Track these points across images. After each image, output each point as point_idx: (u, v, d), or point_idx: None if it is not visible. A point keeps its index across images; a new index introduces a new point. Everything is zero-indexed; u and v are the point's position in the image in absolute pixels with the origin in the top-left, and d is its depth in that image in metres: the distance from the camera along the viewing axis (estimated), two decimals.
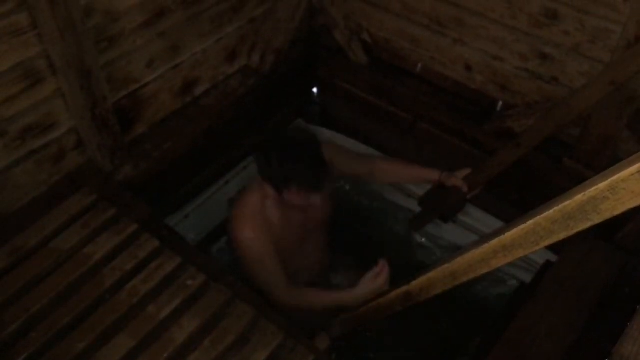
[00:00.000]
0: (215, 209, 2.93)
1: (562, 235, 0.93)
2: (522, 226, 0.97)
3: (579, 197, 0.85)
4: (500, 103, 2.55)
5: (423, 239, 3.07)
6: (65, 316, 1.76)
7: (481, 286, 2.89)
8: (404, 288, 1.37)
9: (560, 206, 0.88)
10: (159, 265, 1.91)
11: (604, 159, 2.22)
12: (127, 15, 2.04)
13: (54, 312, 1.77)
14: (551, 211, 0.90)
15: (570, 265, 2.05)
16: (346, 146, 3.07)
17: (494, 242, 1.04)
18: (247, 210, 2.03)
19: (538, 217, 0.93)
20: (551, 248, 2.48)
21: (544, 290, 1.98)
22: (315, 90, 3.17)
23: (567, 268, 2.05)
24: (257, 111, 2.84)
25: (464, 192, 2.31)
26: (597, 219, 0.87)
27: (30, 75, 1.86)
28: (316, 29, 2.88)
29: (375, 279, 1.88)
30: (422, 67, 2.72)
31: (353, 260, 2.65)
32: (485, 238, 1.10)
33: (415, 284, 1.33)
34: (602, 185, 0.82)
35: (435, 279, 1.26)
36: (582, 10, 2.06)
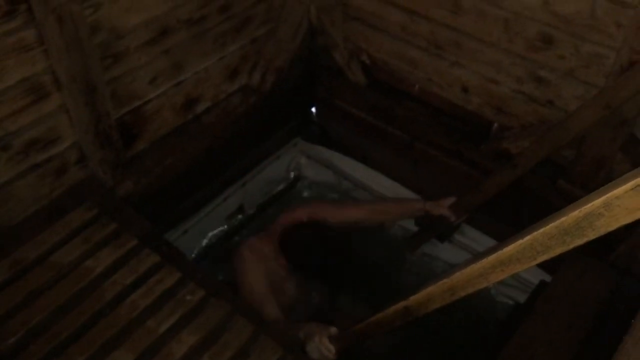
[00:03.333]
0: (214, 225, 2.96)
1: (558, 251, 0.95)
2: (520, 241, 0.99)
3: (575, 214, 0.88)
4: (496, 125, 2.59)
5: (420, 258, 3.09)
6: (65, 329, 1.77)
7: (477, 306, 2.91)
8: (403, 303, 1.39)
9: (557, 222, 0.91)
10: (158, 280, 1.93)
11: (598, 181, 2.26)
12: (133, 33, 2.09)
13: (53, 326, 1.78)
14: (548, 227, 0.93)
15: (564, 285, 2.07)
16: (346, 170, 3.13)
17: (492, 257, 1.07)
18: (251, 245, 2.28)
19: (535, 232, 0.95)
20: (546, 268, 2.51)
21: (540, 309, 2.00)
22: (314, 109, 3.21)
23: (561, 287, 2.07)
24: (257, 129, 2.88)
25: (450, 220, 2.47)
26: (592, 235, 0.90)
27: (36, 90, 1.89)
28: (316, 49, 2.93)
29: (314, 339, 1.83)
30: (420, 89, 2.77)
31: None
32: (483, 253, 1.13)
33: (414, 299, 1.35)
34: (598, 202, 0.85)
35: (434, 294, 1.28)
36: (577, 35, 2.12)
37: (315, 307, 2.47)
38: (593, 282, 2.02)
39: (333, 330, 1.80)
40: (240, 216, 3.13)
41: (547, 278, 2.41)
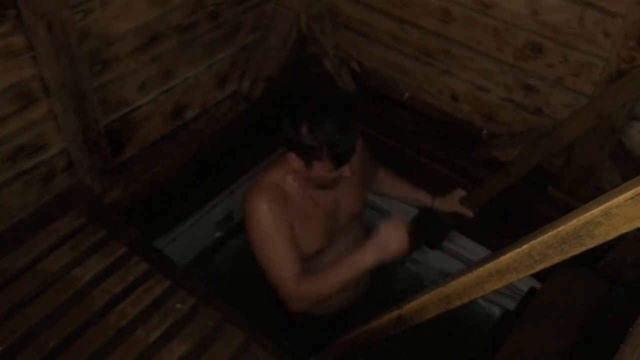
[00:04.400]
0: (203, 233, 2.94)
1: (556, 259, 0.95)
2: (517, 250, 0.99)
3: (574, 222, 0.88)
4: (485, 132, 2.61)
5: (409, 265, 3.09)
6: (52, 339, 1.74)
7: (465, 313, 2.91)
8: (397, 312, 1.38)
9: (555, 231, 0.91)
10: (148, 289, 1.90)
11: (588, 188, 2.28)
12: (122, 40, 2.07)
13: (41, 335, 1.74)
14: (546, 236, 0.93)
15: (554, 292, 2.08)
16: None
17: (489, 265, 1.06)
18: (265, 182, 1.80)
19: (533, 241, 0.95)
20: (535, 275, 2.52)
21: (530, 316, 2.01)
22: None
23: (551, 295, 2.08)
24: (246, 136, 2.86)
25: (467, 216, 2.24)
26: (590, 244, 0.89)
27: (24, 96, 1.87)
28: (306, 57, 2.93)
29: (396, 225, 1.65)
30: (410, 97, 2.78)
31: None
32: (479, 262, 1.12)
33: (408, 307, 1.33)
34: (596, 210, 0.85)
35: (429, 303, 1.27)
36: (565, 44, 2.14)
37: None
38: (582, 290, 2.03)
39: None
40: (229, 224, 3.11)
41: (537, 285, 2.42)
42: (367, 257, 1.69)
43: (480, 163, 2.56)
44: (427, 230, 2.54)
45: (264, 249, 1.77)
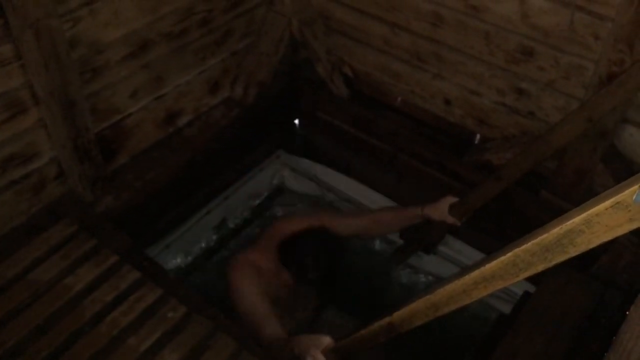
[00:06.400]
0: (197, 240, 2.93)
1: (540, 267, 0.95)
2: (502, 258, 0.99)
3: (556, 231, 0.88)
4: (478, 136, 2.60)
5: (406, 271, 3.08)
6: (44, 350, 1.74)
7: (461, 317, 2.90)
8: (387, 319, 1.38)
9: (538, 239, 0.91)
10: (139, 297, 1.90)
11: (580, 191, 2.28)
12: (112, 47, 2.07)
13: (31, 346, 1.74)
14: (529, 244, 0.93)
15: (548, 296, 2.07)
16: (330, 182, 3.11)
17: (475, 273, 1.06)
18: (248, 265, 2.10)
19: (517, 249, 0.95)
20: (529, 279, 2.50)
21: (524, 320, 2.00)
22: (297, 122, 3.20)
23: (545, 299, 2.07)
24: (240, 142, 2.86)
25: (450, 224, 2.28)
26: (573, 252, 0.89)
27: (13, 105, 1.87)
28: (299, 62, 2.93)
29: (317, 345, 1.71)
30: (402, 101, 2.77)
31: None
32: (465, 270, 1.12)
33: (398, 314, 1.33)
34: (578, 219, 0.85)
35: (418, 310, 1.27)
36: (556, 47, 2.14)
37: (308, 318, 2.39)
38: (576, 293, 2.02)
39: (326, 341, 1.66)
40: (223, 230, 3.10)
41: (532, 289, 2.41)
42: (294, 348, 1.75)
43: (474, 167, 2.56)
44: (421, 234, 2.53)
45: (246, 313, 1.99)
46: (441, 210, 2.25)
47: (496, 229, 2.59)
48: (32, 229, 2.06)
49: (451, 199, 2.25)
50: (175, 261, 2.82)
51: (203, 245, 2.99)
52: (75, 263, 1.97)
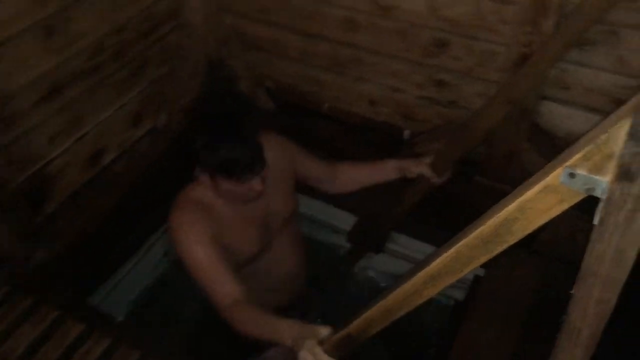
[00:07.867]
0: (142, 277, 2.84)
1: (483, 259, 0.96)
2: (445, 255, 0.99)
3: (492, 221, 0.89)
4: (408, 132, 2.64)
5: (358, 273, 3.08)
6: None
7: (420, 310, 2.92)
8: (345, 331, 1.36)
9: (477, 232, 0.92)
10: (88, 350, 1.82)
11: (512, 172, 2.34)
12: (21, 95, 1.97)
13: None
14: (469, 238, 0.93)
15: (497, 278, 2.12)
16: None
17: (422, 273, 1.06)
18: (185, 198, 1.75)
19: (458, 244, 0.95)
20: None
21: (477, 306, 2.04)
22: None
23: (495, 281, 2.12)
24: (173, 170, 2.77)
25: (431, 180, 2.05)
26: (512, 240, 0.90)
27: None
28: (221, 81, 2.88)
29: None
30: (329, 107, 2.78)
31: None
32: (412, 271, 1.12)
33: (355, 326, 1.31)
34: (511, 207, 0.86)
35: (373, 318, 1.26)
36: (468, 36, 2.19)
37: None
38: (523, 272, 2.08)
39: (324, 331, 1.38)
40: (170, 259, 3.01)
41: (482, 272, 2.45)
42: (285, 336, 1.45)
43: None
44: (366, 236, 2.54)
45: (192, 269, 1.66)
46: (418, 161, 2.04)
47: (437, 219, 2.63)
48: None
49: (428, 157, 2.05)
50: (122, 303, 2.72)
51: (152, 277, 2.91)
52: (13, 325, 1.86)
